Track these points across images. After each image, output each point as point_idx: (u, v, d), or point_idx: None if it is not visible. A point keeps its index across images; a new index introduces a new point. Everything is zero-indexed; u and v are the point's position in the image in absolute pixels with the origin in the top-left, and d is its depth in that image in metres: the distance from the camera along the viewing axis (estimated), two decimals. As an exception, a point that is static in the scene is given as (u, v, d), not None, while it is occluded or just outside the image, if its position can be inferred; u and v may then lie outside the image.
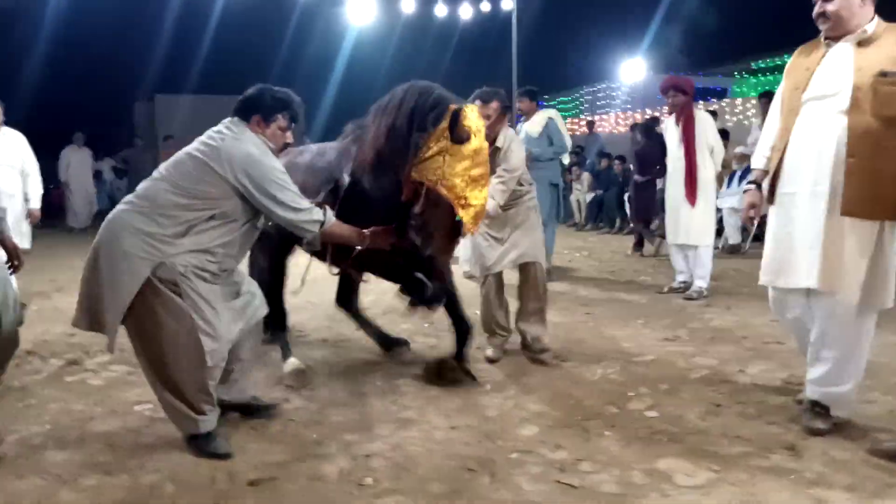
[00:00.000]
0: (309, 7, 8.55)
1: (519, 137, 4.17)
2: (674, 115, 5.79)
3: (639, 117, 18.13)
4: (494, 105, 3.72)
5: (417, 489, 2.45)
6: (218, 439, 2.75)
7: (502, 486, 2.48)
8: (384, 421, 3.10)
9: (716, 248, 8.39)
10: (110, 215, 2.72)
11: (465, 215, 2.90)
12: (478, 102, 3.59)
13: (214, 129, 2.82)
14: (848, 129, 2.72)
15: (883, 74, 2.67)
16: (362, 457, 2.72)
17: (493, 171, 3.49)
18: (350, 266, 3.41)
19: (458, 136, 2.83)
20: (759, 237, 3.30)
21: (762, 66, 24.62)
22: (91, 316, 2.69)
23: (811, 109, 2.85)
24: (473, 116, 2.94)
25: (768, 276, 3.02)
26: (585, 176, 11.92)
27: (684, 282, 5.87)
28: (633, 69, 24.29)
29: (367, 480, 2.52)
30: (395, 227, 3.01)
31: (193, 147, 2.77)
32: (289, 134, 2.92)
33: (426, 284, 3.02)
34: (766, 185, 3.06)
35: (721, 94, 22.93)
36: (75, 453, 2.78)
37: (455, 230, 3.09)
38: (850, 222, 2.73)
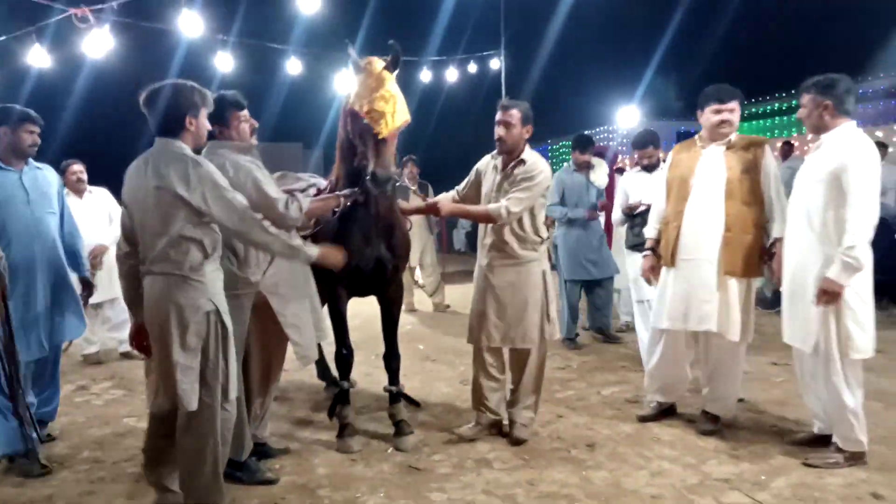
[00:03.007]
0: (298, 81, 9.86)
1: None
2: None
3: (628, 163, 19.23)
4: (514, 112, 3.69)
5: (306, 470, 3.49)
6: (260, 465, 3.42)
7: (370, 469, 3.49)
8: (311, 427, 4.14)
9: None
10: None
11: (374, 122, 3.26)
12: (498, 111, 3.71)
13: None
14: (724, 211, 3.72)
15: (745, 172, 3.70)
16: (279, 449, 3.75)
17: (511, 186, 3.62)
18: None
19: (357, 71, 3.40)
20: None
21: (758, 111, 25.57)
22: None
23: (697, 196, 3.82)
24: (372, 59, 3.41)
25: (672, 322, 3.87)
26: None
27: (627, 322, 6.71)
28: (627, 116, 25.24)
29: (276, 466, 3.55)
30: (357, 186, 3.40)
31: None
32: (244, 122, 3.32)
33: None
34: (663, 252, 3.97)
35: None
36: (74, 449, 3.85)
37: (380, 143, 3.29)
38: (730, 280, 3.71)
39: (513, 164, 3.70)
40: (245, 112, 3.32)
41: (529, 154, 3.71)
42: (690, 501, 3.05)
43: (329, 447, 3.80)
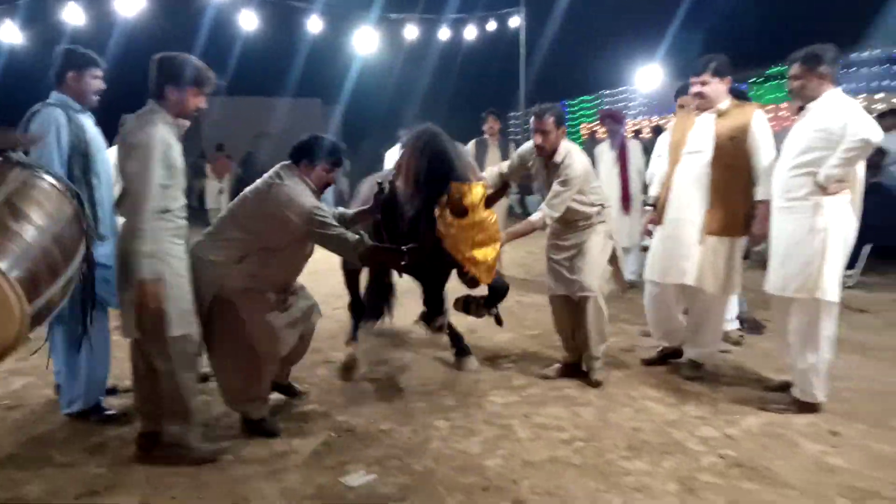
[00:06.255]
0: (319, 39, 10.08)
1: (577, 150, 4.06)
2: (609, 141, 7.04)
3: (647, 124, 19.30)
4: (549, 119, 3.91)
5: (326, 401, 3.90)
6: (269, 421, 3.46)
7: (384, 402, 3.90)
8: (330, 366, 4.55)
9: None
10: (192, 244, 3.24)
11: (475, 271, 3.28)
12: (532, 118, 3.97)
13: (271, 171, 3.36)
14: (710, 175, 4.00)
15: (731, 139, 3.95)
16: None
17: (550, 187, 3.92)
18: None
19: (457, 211, 3.25)
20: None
21: (775, 71, 25.02)
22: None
23: (687, 161, 4.12)
24: (473, 193, 3.26)
25: (656, 275, 4.27)
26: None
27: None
28: (649, 76, 24.84)
29: (303, 391, 3.96)
30: (422, 247, 3.36)
31: (254, 188, 3.32)
32: (331, 176, 3.45)
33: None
34: (657, 210, 4.27)
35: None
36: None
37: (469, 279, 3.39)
38: (711, 239, 4.01)
39: (551, 160, 4.01)
40: (330, 166, 3.45)
41: (563, 148, 3.97)
42: (668, 434, 3.41)
43: (345, 385, 4.23)
